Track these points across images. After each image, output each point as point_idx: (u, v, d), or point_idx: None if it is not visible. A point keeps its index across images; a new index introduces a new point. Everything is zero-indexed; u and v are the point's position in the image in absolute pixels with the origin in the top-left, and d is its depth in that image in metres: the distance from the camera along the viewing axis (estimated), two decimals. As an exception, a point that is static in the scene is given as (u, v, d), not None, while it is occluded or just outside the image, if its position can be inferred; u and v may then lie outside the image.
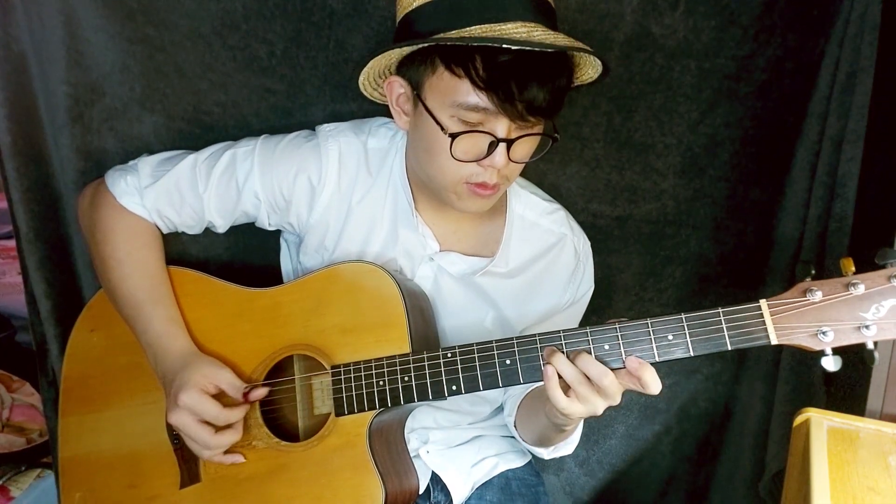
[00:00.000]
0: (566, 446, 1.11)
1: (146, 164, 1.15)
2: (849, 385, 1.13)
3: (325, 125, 1.15)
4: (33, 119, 1.26)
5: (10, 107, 1.23)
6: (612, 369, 0.88)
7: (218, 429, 1.02)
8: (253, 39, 1.23)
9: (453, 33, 0.91)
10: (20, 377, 2.01)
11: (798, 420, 1.01)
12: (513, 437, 1.30)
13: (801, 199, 1.26)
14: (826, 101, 1.21)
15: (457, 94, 0.93)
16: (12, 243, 1.46)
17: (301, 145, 1.12)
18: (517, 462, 1.27)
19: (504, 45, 0.88)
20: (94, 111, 1.25)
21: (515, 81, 0.90)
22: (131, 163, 1.17)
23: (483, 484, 1.22)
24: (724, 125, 1.27)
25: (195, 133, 1.27)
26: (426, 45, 0.93)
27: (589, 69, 1.00)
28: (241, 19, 1.21)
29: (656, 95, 1.25)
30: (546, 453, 1.14)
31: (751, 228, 1.34)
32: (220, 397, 1.03)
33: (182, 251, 1.25)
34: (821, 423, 0.98)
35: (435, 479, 1.19)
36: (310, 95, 1.27)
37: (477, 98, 0.92)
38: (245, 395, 1.04)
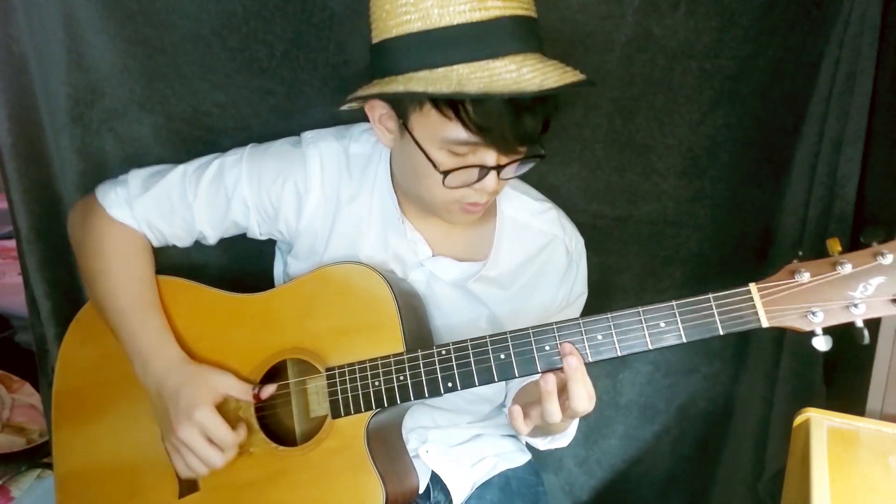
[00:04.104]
0: (563, 438, 1.12)
1: (136, 176, 1.15)
2: (849, 385, 1.13)
3: (308, 132, 1.14)
4: (34, 120, 1.26)
5: (10, 108, 1.23)
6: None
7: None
8: (253, 41, 1.23)
9: (439, 72, 0.88)
10: (20, 377, 2.01)
11: (798, 420, 1.01)
12: (512, 436, 1.30)
13: (800, 200, 1.26)
14: (826, 101, 1.20)
15: (446, 131, 0.92)
16: (13, 244, 1.45)
17: (287, 151, 1.13)
18: (517, 461, 1.27)
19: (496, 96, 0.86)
20: (94, 112, 1.25)
21: (507, 120, 0.90)
22: (121, 176, 1.17)
23: (483, 483, 1.22)
24: (724, 126, 1.27)
25: (195, 134, 1.27)
26: (415, 92, 0.89)
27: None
28: (241, 21, 1.21)
29: (657, 96, 1.25)
30: (542, 444, 1.14)
31: (750, 229, 1.34)
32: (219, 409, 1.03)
33: (184, 256, 1.24)
34: (821, 423, 0.98)
35: (434, 478, 1.19)
36: (309, 97, 1.27)
37: (467, 136, 0.92)
38: (256, 395, 1.04)
